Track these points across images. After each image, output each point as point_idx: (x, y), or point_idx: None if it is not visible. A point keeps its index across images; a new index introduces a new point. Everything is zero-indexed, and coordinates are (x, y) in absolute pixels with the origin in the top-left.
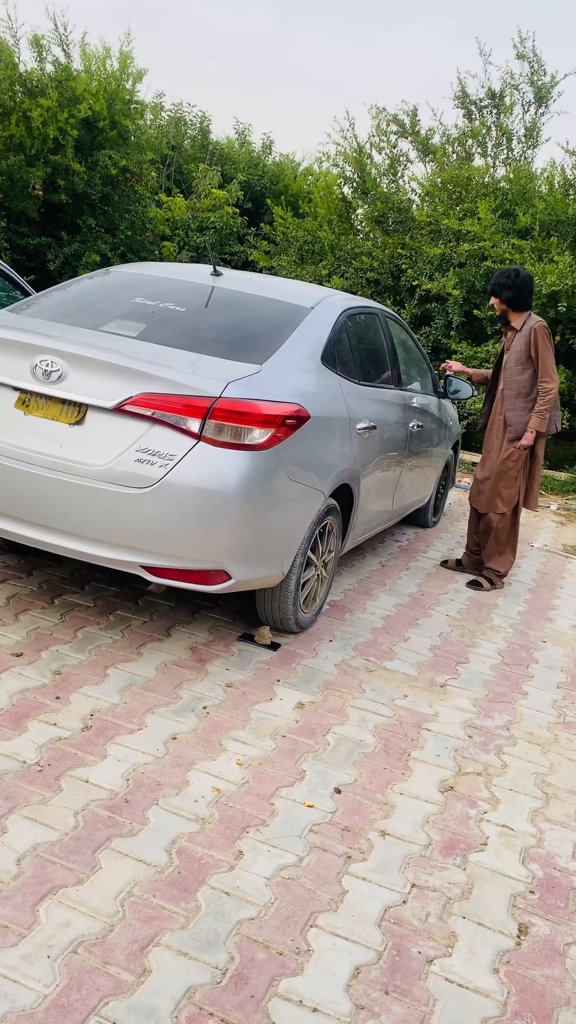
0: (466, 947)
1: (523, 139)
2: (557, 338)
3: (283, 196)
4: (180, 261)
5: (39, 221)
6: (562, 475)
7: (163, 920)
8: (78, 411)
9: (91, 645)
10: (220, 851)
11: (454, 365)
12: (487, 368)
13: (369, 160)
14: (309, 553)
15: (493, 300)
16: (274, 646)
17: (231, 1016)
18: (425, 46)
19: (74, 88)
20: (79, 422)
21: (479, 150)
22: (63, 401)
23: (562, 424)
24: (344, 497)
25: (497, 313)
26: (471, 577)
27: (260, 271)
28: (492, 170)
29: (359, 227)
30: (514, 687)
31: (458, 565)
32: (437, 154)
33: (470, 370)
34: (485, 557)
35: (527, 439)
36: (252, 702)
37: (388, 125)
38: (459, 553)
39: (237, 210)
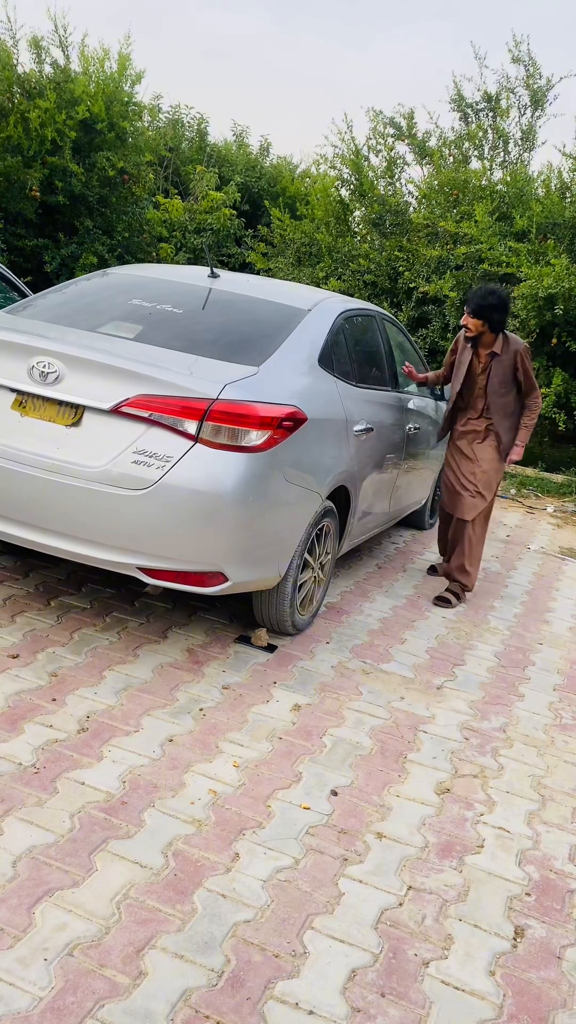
0: (462, 949)
1: (519, 142)
2: (554, 341)
3: (280, 198)
4: (177, 263)
5: (36, 222)
6: (558, 477)
7: (159, 922)
8: (75, 412)
9: (87, 647)
10: (216, 853)
11: (414, 372)
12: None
13: (366, 162)
14: (306, 555)
15: (474, 321)
16: (271, 648)
17: (227, 1019)
18: (421, 49)
19: (72, 90)
20: (76, 423)
21: (476, 153)
22: (60, 402)
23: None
24: (341, 499)
25: (472, 333)
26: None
27: (257, 273)
28: (489, 173)
29: (356, 229)
30: (510, 689)
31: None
32: (434, 157)
33: (426, 375)
34: (456, 569)
35: (517, 454)
36: (249, 704)
37: (385, 128)
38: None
39: (234, 212)
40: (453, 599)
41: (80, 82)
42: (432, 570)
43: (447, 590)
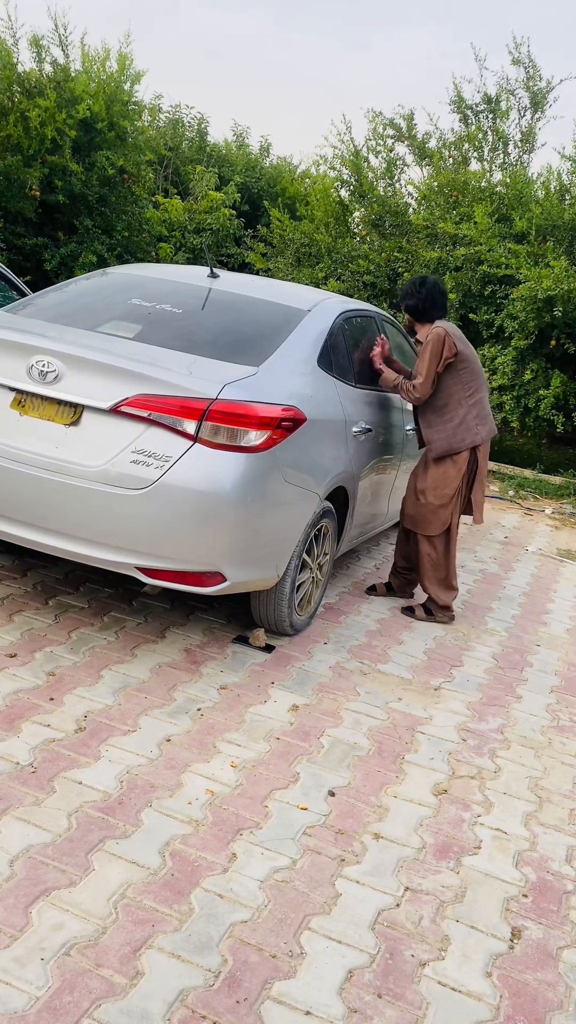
0: (459, 950)
1: (519, 144)
2: (552, 343)
3: (280, 198)
4: (176, 263)
5: (36, 221)
6: (557, 479)
7: (156, 922)
8: (74, 412)
9: (85, 646)
10: (213, 853)
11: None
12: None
13: (366, 163)
14: (304, 555)
15: (402, 316)
16: (268, 648)
17: (223, 1019)
18: (421, 50)
19: (72, 89)
20: (75, 423)
21: (475, 154)
22: (59, 402)
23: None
24: (339, 500)
25: (406, 325)
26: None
27: (257, 273)
28: (488, 174)
29: (356, 230)
30: (508, 690)
31: (388, 590)
32: (433, 158)
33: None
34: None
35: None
36: (246, 704)
37: (385, 129)
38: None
39: (234, 212)
40: (419, 611)
41: (80, 81)
42: (372, 588)
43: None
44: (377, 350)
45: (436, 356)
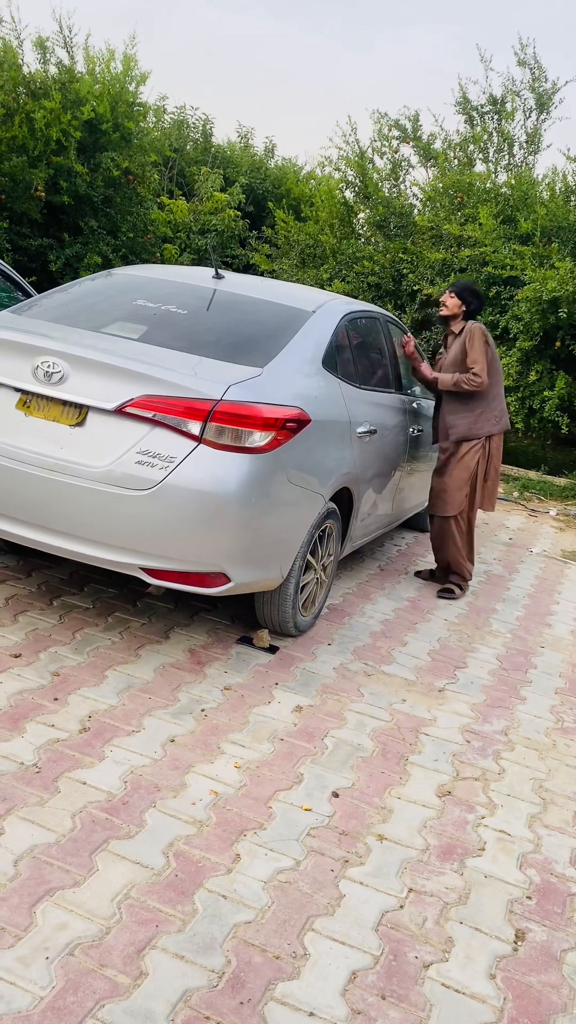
0: (463, 952)
1: (524, 145)
2: (557, 344)
3: (285, 199)
4: (181, 264)
5: (41, 222)
6: (561, 481)
7: (160, 923)
8: (79, 412)
9: (89, 647)
10: (217, 854)
11: (414, 358)
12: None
13: (371, 165)
14: (308, 557)
15: (453, 300)
16: (272, 649)
17: (227, 1020)
18: (427, 51)
19: (77, 90)
20: (80, 423)
21: (480, 156)
22: (64, 402)
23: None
24: (344, 501)
25: (445, 312)
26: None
27: (261, 274)
28: (494, 176)
29: (361, 231)
30: (512, 692)
31: (432, 576)
32: (439, 159)
33: (424, 368)
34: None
35: (424, 369)
36: (250, 705)
37: (390, 130)
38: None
39: (239, 213)
40: (457, 590)
41: (85, 82)
42: (418, 573)
43: (449, 581)
44: (411, 351)
45: (485, 344)
